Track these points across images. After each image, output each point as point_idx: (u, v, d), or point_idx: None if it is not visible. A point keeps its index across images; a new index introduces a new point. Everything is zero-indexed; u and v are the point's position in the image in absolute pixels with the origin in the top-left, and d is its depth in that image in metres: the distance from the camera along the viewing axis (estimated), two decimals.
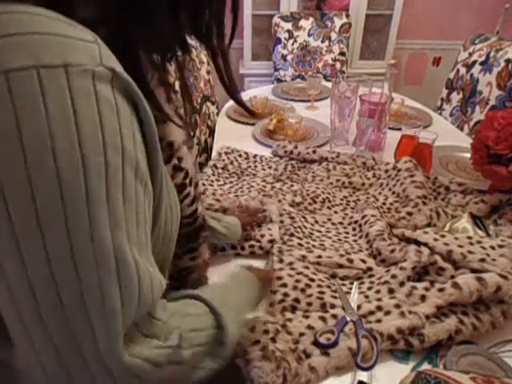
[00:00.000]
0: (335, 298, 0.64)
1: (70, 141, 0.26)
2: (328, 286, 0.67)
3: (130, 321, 0.32)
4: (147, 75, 0.38)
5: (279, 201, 0.88)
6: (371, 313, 0.60)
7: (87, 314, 0.30)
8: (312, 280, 0.67)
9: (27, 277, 0.28)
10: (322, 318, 0.60)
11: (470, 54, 1.54)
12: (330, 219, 0.87)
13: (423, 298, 0.62)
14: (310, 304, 0.63)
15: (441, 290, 0.61)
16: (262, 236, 0.77)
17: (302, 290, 0.65)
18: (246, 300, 0.54)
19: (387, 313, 0.60)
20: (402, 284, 0.65)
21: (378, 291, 0.65)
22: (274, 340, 0.56)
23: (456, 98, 1.59)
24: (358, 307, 0.62)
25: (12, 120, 0.25)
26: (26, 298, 0.29)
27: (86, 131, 0.27)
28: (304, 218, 0.85)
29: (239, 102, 0.46)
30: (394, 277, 0.66)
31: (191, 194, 0.51)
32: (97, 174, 0.28)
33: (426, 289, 0.63)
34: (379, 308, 0.61)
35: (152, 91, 0.37)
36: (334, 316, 0.60)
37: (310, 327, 0.58)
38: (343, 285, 0.69)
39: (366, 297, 0.65)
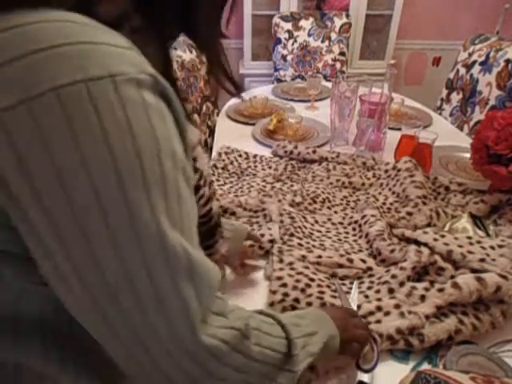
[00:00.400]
0: (335, 297, 0.64)
1: (127, 154, 0.27)
2: (328, 286, 0.67)
3: (204, 305, 0.33)
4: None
5: (279, 201, 0.88)
6: (371, 313, 0.60)
7: (163, 311, 0.31)
8: (312, 280, 0.67)
9: (107, 282, 0.29)
10: None
11: (470, 54, 1.54)
12: (330, 219, 0.87)
13: (423, 298, 0.62)
14: (310, 304, 0.63)
15: (440, 290, 0.61)
16: (262, 235, 0.77)
17: (302, 290, 0.65)
18: (315, 331, 0.48)
19: (387, 313, 0.60)
20: (402, 284, 0.65)
21: (377, 291, 0.65)
22: None
23: (456, 98, 1.59)
24: (358, 307, 0.62)
25: (69, 138, 0.25)
26: (107, 295, 0.30)
27: (142, 143, 0.27)
28: (304, 217, 0.85)
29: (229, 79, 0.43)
30: (393, 277, 0.66)
31: (206, 194, 0.52)
32: (156, 184, 0.28)
33: (426, 289, 0.63)
34: (379, 308, 0.61)
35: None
36: None
37: None
38: (343, 284, 0.69)
39: (366, 296, 0.65)
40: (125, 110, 0.26)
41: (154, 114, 0.28)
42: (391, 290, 0.65)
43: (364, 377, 0.54)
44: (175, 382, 0.34)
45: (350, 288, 0.67)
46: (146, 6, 0.34)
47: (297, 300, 0.64)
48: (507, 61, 1.35)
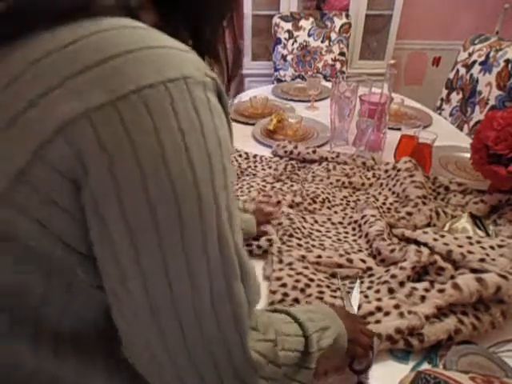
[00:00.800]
0: (335, 297, 0.64)
1: (201, 152, 0.28)
2: (327, 286, 0.67)
3: (252, 315, 0.34)
4: None
5: (278, 201, 0.88)
6: (371, 313, 0.60)
7: (216, 315, 0.31)
8: (311, 280, 0.67)
9: (168, 279, 0.29)
10: None
11: (470, 54, 1.54)
12: (329, 219, 0.87)
13: (423, 298, 0.62)
14: (309, 304, 0.63)
15: (441, 290, 0.61)
16: (260, 236, 0.77)
17: (302, 290, 0.65)
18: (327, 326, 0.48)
19: (387, 314, 0.60)
20: (401, 284, 0.65)
21: (377, 291, 0.65)
22: None
23: (456, 98, 1.59)
24: (358, 307, 0.62)
25: (153, 136, 0.26)
26: (164, 302, 0.30)
27: (210, 141, 0.29)
28: (303, 218, 0.85)
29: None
30: (393, 276, 0.66)
31: None
32: (220, 181, 0.30)
33: (426, 290, 0.63)
34: (379, 309, 0.61)
35: None
36: None
37: None
38: (343, 284, 0.69)
39: (366, 296, 0.65)
40: (197, 110, 0.28)
41: (216, 114, 0.30)
42: (391, 290, 0.65)
43: (364, 376, 0.54)
44: None
45: (351, 288, 0.67)
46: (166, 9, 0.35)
47: (296, 300, 0.64)
48: (507, 61, 1.35)
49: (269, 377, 0.37)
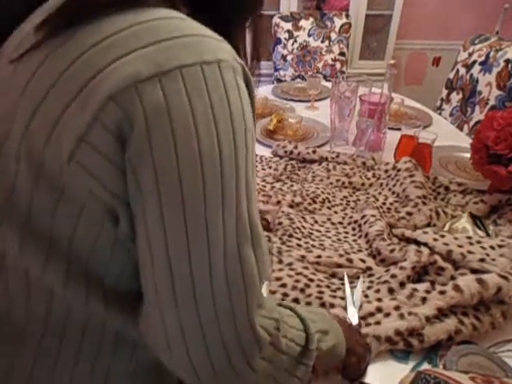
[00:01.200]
0: (334, 297, 0.64)
1: (227, 126, 0.31)
2: (327, 286, 0.67)
3: (261, 288, 0.35)
4: None
5: (278, 202, 0.88)
6: (371, 314, 0.60)
7: (227, 279, 0.33)
8: (311, 280, 0.67)
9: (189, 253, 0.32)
10: None
11: (470, 54, 1.54)
12: (329, 219, 0.87)
13: (424, 300, 0.61)
14: (309, 304, 0.63)
15: (442, 292, 0.61)
16: None
17: (302, 290, 0.65)
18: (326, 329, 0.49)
19: (387, 315, 0.60)
20: (402, 284, 0.65)
21: (377, 290, 0.65)
22: None
23: (456, 98, 1.59)
24: (359, 307, 0.62)
25: (187, 105, 0.30)
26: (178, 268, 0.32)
27: (236, 119, 0.32)
28: (303, 218, 0.85)
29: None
30: (393, 276, 0.66)
31: None
32: (242, 155, 0.33)
33: (427, 291, 0.63)
34: (379, 309, 0.61)
35: None
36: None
37: None
38: (343, 284, 0.68)
39: (366, 296, 0.65)
40: (226, 90, 0.31)
41: (243, 98, 0.33)
42: (391, 290, 0.64)
43: (364, 376, 0.54)
44: (214, 363, 0.34)
45: (353, 287, 0.67)
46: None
47: (296, 300, 0.64)
48: (507, 61, 1.35)
49: (269, 359, 0.38)
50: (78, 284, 0.35)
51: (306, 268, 0.70)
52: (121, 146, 0.30)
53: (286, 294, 0.64)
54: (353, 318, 0.60)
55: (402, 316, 0.59)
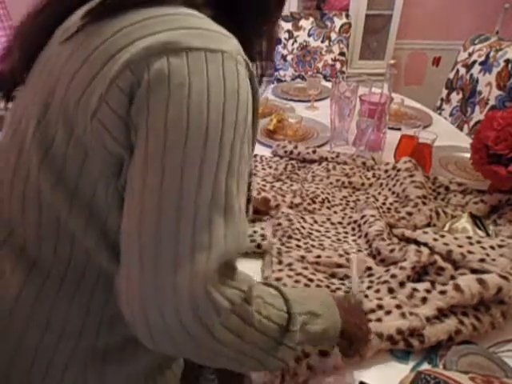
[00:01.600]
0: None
1: (218, 103, 0.36)
2: (327, 286, 0.67)
3: (225, 258, 0.36)
4: None
5: (277, 205, 0.88)
6: (372, 311, 0.60)
7: (193, 235, 0.35)
8: (311, 280, 0.67)
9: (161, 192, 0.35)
10: None
11: (470, 54, 1.54)
12: (329, 219, 0.87)
13: (424, 300, 0.61)
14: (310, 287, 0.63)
15: (442, 292, 0.61)
16: (255, 232, 0.77)
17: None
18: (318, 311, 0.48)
19: (388, 312, 0.60)
20: (401, 284, 0.65)
21: (377, 290, 0.65)
22: None
23: (456, 98, 1.59)
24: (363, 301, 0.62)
25: (186, 79, 0.35)
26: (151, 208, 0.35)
27: (229, 101, 0.36)
28: (303, 218, 0.85)
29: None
30: (393, 276, 0.66)
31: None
32: (230, 126, 0.36)
33: (428, 291, 0.62)
34: (380, 307, 0.61)
35: None
36: None
37: None
38: (342, 284, 0.69)
39: (366, 296, 0.65)
40: (224, 74, 0.37)
41: (242, 84, 0.38)
42: (391, 290, 0.64)
43: (364, 376, 0.54)
44: (176, 339, 0.35)
45: (350, 288, 0.67)
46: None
47: None
48: (507, 61, 1.35)
49: (237, 333, 0.38)
50: (94, 230, 0.40)
51: (305, 268, 0.70)
52: (130, 105, 0.36)
53: None
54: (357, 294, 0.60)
55: (403, 315, 0.59)
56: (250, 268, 0.74)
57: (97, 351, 0.44)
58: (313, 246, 0.77)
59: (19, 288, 0.42)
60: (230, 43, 0.39)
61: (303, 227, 0.83)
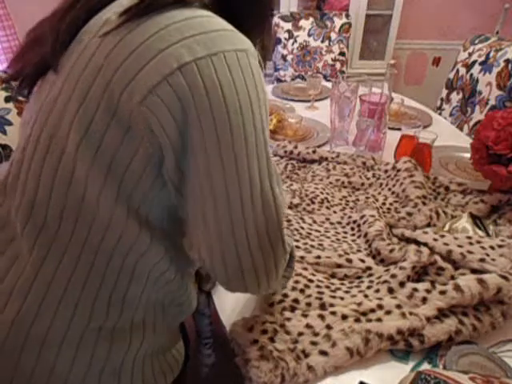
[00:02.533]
0: (334, 297, 0.64)
1: (244, 94, 0.41)
2: (327, 286, 0.67)
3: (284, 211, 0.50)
4: None
5: None
6: (372, 311, 0.60)
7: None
8: (311, 281, 0.67)
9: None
10: (321, 317, 0.60)
11: (470, 54, 1.54)
12: (328, 219, 0.87)
13: (424, 300, 0.61)
14: (309, 304, 0.63)
15: (442, 292, 0.61)
16: None
17: (301, 291, 0.65)
18: None
19: (388, 312, 0.60)
20: (401, 284, 0.65)
21: (377, 290, 0.65)
22: (272, 340, 0.56)
23: (456, 98, 1.59)
24: (359, 304, 0.62)
25: (230, 80, 0.40)
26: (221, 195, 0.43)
27: (255, 90, 0.42)
28: (302, 219, 0.85)
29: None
30: (393, 276, 0.66)
31: None
32: (257, 119, 0.43)
33: (428, 291, 0.62)
34: (380, 307, 0.61)
35: None
36: (333, 313, 0.60)
37: (308, 326, 0.58)
38: (343, 284, 0.68)
39: (366, 296, 0.65)
40: (251, 69, 0.42)
41: (260, 75, 0.43)
42: (391, 290, 0.64)
43: (364, 376, 0.54)
44: (256, 271, 0.47)
45: (350, 287, 0.67)
46: None
47: (296, 300, 0.63)
48: (507, 61, 1.35)
49: (282, 271, 0.52)
50: (122, 210, 0.44)
51: (305, 269, 0.70)
52: (180, 104, 0.39)
53: (285, 295, 0.64)
54: None
55: (403, 315, 0.59)
56: None
57: (106, 332, 0.47)
58: (312, 246, 0.77)
59: (35, 270, 0.44)
60: (247, 40, 0.44)
61: (302, 227, 0.83)
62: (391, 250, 0.72)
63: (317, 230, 0.83)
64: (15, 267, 0.45)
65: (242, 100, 0.41)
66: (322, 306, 0.63)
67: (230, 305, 0.66)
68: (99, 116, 0.41)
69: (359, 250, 0.76)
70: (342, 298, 0.64)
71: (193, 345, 0.87)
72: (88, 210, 0.43)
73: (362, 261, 0.72)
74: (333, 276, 0.70)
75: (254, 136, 0.43)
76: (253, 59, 0.43)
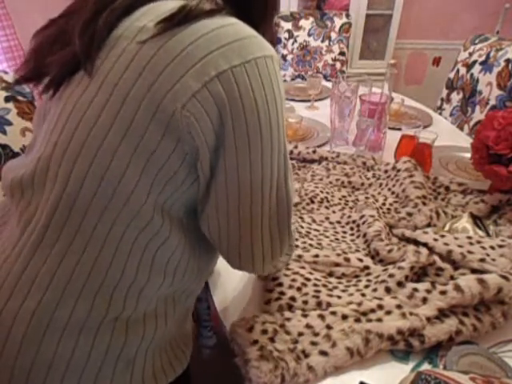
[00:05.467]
0: (331, 296, 0.64)
1: (273, 99, 0.46)
2: (324, 285, 0.67)
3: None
4: None
5: None
6: (372, 311, 0.60)
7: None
8: (308, 279, 0.67)
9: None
10: (321, 316, 0.60)
11: (470, 54, 1.54)
12: (327, 218, 0.87)
13: (425, 300, 0.61)
14: (305, 302, 0.63)
15: (443, 292, 0.61)
16: None
17: (298, 289, 0.65)
18: None
19: (388, 312, 0.60)
20: (399, 284, 0.65)
21: (375, 289, 0.65)
22: (272, 340, 0.56)
23: (456, 97, 1.59)
24: (359, 304, 0.61)
25: (262, 91, 0.44)
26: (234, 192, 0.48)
27: (276, 95, 0.46)
28: (301, 218, 0.85)
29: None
30: (391, 276, 0.66)
31: None
32: (282, 121, 0.48)
33: (428, 291, 0.62)
34: (380, 307, 0.61)
35: None
36: (333, 313, 0.60)
37: (308, 326, 0.58)
38: (340, 283, 0.68)
39: (363, 295, 0.64)
40: (276, 75, 0.46)
41: (280, 81, 0.47)
42: (388, 289, 0.64)
43: (364, 376, 0.54)
44: (265, 256, 0.53)
45: (348, 286, 0.67)
46: None
47: (293, 298, 0.64)
48: (507, 60, 1.35)
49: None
50: (150, 205, 0.46)
51: (302, 268, 0.70)
52: (217, 109, 0.43)
53: (282, 293, 0.64)
54: None
55: (403, 315, 0.59)
56: None
57: (121, 323, 0.49)
58: (311, 245, 0.77)
59: (57, 262, 0.46)
60: (268, 45, 0.47)
61: (302, 226, 0.83)
62: (389, 251, 0.72)
63: (316, 230, 0.83)
64: (36, 258, 0.47)
65: (269, 102, 0.45)
66: (319, 304, 0.63)
67: (230, 305, 0.66)
68: (140, 116, 0.43)
69: (358, 250, 0.76)
70: (339, 297, 0.64)
71: (194, 330, 0.87)
72: (117, 204, 0.45)
73: (360, 260, 0.72)
74: (330, 275, 0.70)
75: (277, 135, 0.47)
76: (276, 64, 0.46)
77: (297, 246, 0.76)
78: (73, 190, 0.45)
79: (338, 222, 0.86)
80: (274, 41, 0.57)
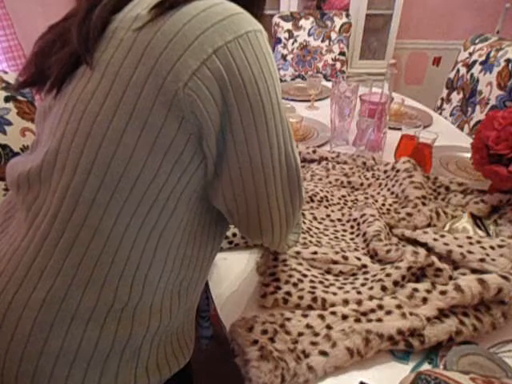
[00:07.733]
0: (326, 292, 0.65)
1: (266, 69, 0.47)
2: (321, 282, 0.67)
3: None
4: None
5: None
6: (372, 311, 0.60)
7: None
8: (304, 276, 0.67)
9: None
10: (321, 316, 0.60)
11: (471, 54, 1.54)
12: (329, 215, 0.87)
13: (425, 300, 0.61)
14: (301, 297, 0.64)
15: (443, 292, 0.61)
16: None
17: (294, 284, 0.65)
18: None
19: (388, 312, 0.60)
20: (395, 283, 0.65)
21: (371, 288, 0.65)
22: (272, 340, 0.56)
23: (456, 97, 1.59)
24: (359, 303, 0.61)
25: (253, 56, 0.45)
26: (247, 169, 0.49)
27: (272, 65, 0.48)
28: (303, 214, 0.85)
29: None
30: (388, 275, 0.66)
31: None
32: (279, 90, 0.49)
33: (428, 291, 0.62)
34: (380, 307, 0.61)
35: None
36: (333, 313, 0.60)
37: (308, 326, 0.58)
38: (337, 280, 0.69)
39: (359, 293, 0.64)
40: (266, 47, 0.47)
41: (271, 52, 0.48)
42: (384, 288, 0.64)
43: (364, 376, 0.54)
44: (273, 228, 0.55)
45: (344, 284, 0.67)
46: None
47: (288, 293, 0.64)
48: (507, 60, 1.35)
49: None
50: (155, 189, 0.47)
51: (300, 264, 0.70)
52: (218, 85, 0.44)
53: (278, 287, 0.65)
54: None
55: (403, 315, 0.59)
56: (244, 258, 0.76)
57: (127, 313, 0.50)
58: (310, 242, 0.78)
59: (65, 252, 0.47)
60: (255, 20, 0.48)
61: (304, 222, 0.83)
62: (388, 251, 0.72)
63: (316, 227, 0.83)
64: (45, 250, 0.47)
65: (265, 72, 0.46)
66: (314, 300, 0.63)
67: (230, 305, 0.66)
68: (143, 99, 0.44)
69: (356, 249, 0.76)
70: (334, 294, 0.64)
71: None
72: (123, 191, 0.46)
73: (358, 259, 0.72)
74: (328, 272, 0.71)
75: (277, 104, 0.48)
76: (266, 38, 0.48)
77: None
78: (80, 180, 0.46)
79: (339, 220, 0.86)
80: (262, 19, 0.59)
